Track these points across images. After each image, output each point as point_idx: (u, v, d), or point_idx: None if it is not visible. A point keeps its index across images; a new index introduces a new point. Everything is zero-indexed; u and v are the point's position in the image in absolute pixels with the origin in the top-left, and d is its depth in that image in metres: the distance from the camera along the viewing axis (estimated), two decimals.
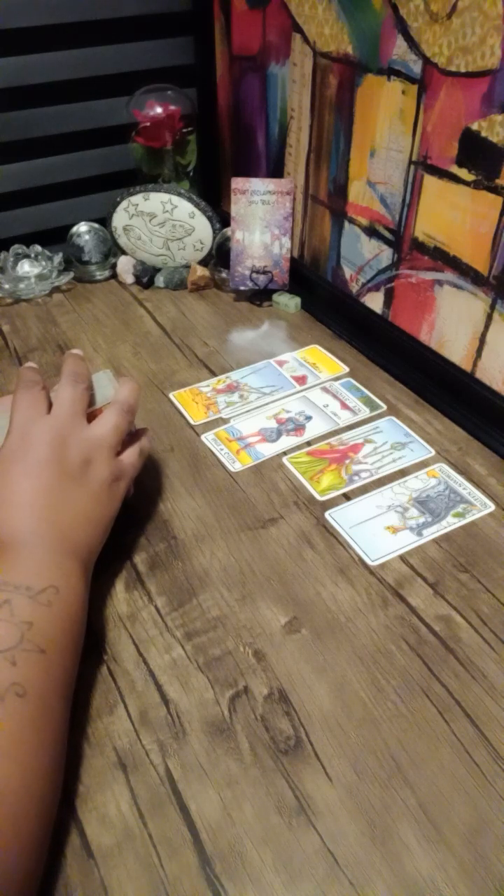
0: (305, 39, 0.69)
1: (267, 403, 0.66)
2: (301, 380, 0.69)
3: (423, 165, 0.60)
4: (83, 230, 0.85)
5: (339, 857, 0.35)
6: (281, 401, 0.67)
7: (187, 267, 0.86)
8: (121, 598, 0.48)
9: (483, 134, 0.53)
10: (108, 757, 0.39)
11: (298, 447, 0.61)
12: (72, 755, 0.38)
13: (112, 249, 0.87)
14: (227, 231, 0.82)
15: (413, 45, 0.57)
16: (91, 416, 0.49)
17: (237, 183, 0.78)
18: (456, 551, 0.51)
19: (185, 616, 0.47)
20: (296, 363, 0.72)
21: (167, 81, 0.82)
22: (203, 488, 0.57)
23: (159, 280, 0.86)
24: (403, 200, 0.64)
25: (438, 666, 0.43)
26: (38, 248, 0.83)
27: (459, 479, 0.57)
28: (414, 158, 0.61)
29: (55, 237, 0.86)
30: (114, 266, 0.87)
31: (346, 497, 0.56)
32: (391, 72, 0.60)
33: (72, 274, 0.85)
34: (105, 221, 0.86)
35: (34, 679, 0.35)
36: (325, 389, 0.68)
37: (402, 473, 0.58)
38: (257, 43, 0.76)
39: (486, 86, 0.52)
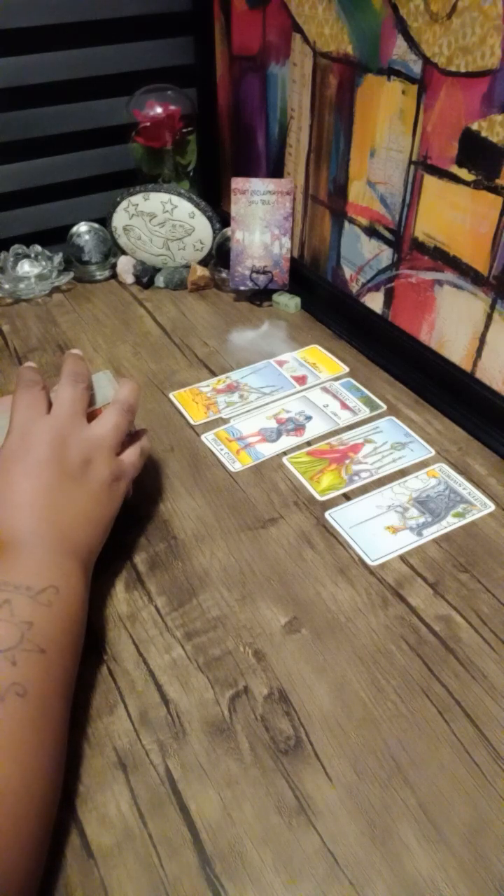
0: (305, 39, 0.69)
1: (267, 403, 0.66)
2: (301, 380, 0.69)
3: (423, 165, 0.60)
4: (83, 230, 0.85)
5: (339, 857, 0.35)
6: (281, 401, 0.67)
7: (187, 267, 0.86)
8: (121, 598, 0.48)
9: (483, 134, 0.53)
10: (108, 757, 0.39)
11: (298, 447, 0.61)
12: (72, 755, 0.38)
13: (112, 249, 0.87)
14: (227, 231, 0.82)
15: (413, 45, 0.57)
16: (91, 417, 0.49)
17: (237, 183, 0.78)
18: (456, 551, 0.51)
19: (185, 616, 0.47)
20: (296, 363, 0.72)
21: (167, 81, 0.82)
22: (203, 488, 0.57)
23: (159, 280, 0.86)
24: (403, 200, 0.64)
25: (438, 666, 0.43)
26: (38, 248, 0.83)
27: (459, 479, 0.57)
28: (414, 158, 0.61)
29: (55, 237, 0.86)
30: (114, 266, 0.87)
31: (346, 497, 0.56)
32: (391, 72, 0.60)
33: (72, 274, 0.85)
34: (105, 221, 0.86)
35: (34, 679, 0.35)
36: (325, 389, 0.68)
37: (402, 473, 0.58)
38: (257, 43, 0.76)
39: (486, 86, 0.52)
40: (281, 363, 0.72)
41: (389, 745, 0.39)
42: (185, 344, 0.75)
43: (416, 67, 0.57)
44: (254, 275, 0.81)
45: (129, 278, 0.86)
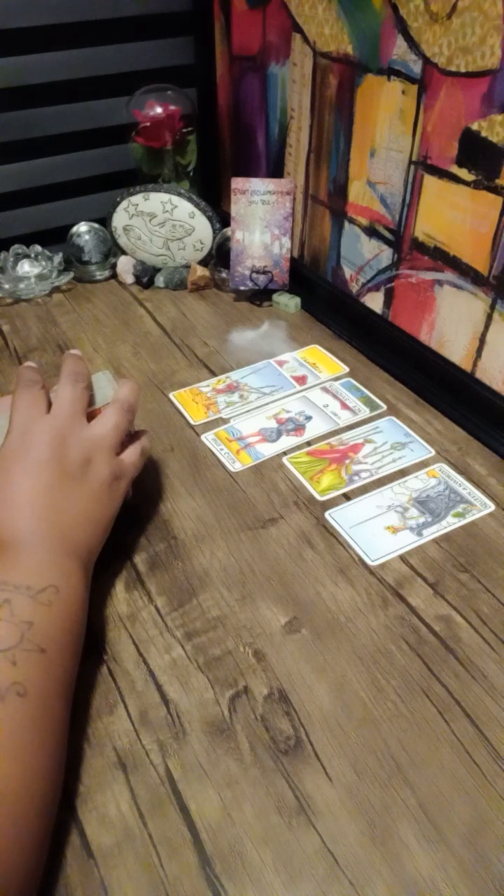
0: (305, 39, 0.69)
1: (267, 403, 0.66)
2: (301, 380, 0.69)
3: (423, 165, 0.60)
4: (83, 230, 0.85)
5: (339, 857, 0.35)
6: (281, 401, 0.67)
7: (187, 267, 0.86)
8: (121, 598, 0.48)
9: (483, 134, 0.53)
10: (108, 757, 0.39)
11: (298, 447, 0.61)
12: (72, 755, 0.38)
13: (112, 249, 0.87)
14: (227, 231, 0.82)
15: (413, 45, 0.57)
16: (90, 417, 0.49)
17: (237, 183, 0.78)
18: (456, 551, 0.51)
19: (185, 616, 0.47)
20: (296, 363, 0.72)
21: (167, 81, 0.82)
22: (203, 488, 0.57)
23: (159, 280, 0.86)
24: (403, 200, 0.64)
25: (438, 666, 0.43)
26: (38, 248, 0.83)
27: (459, 479, 0.57)
28: (414, 158, 0.61)
29: (55, 237, 0.86)
30: (114, 266, 0.87)
31: (346, 497, 0.56)
32: (391, 72, 0.60)
33: (72, 274, 0.85)
34: (105, 221, 0.86)
35: (35, 679, 0.35)
36: (325, 389, 0.68)
37: (402, 473, 0.58)
38: (257, 43, 0.76)
39: (486, 86, 0.52)
40: (281, 363, 0.72)
41: (389, 745, 0.39)
42: (185, 344, 0.75)
43: (416, 67, 0.57)
44: (254, 275, 0.81)
45: (129, 278, 0.86)
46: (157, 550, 0.51)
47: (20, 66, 0.78)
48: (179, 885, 0.34)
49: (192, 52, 0.86)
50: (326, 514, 0.54)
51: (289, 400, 0.67)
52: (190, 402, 0.67)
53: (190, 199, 0.82)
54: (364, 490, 0.56)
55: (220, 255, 0.84)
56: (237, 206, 0.79)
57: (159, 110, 0.81)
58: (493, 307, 0.58)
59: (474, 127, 0.54)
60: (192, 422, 0.64)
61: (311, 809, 0.37)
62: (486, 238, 0.56)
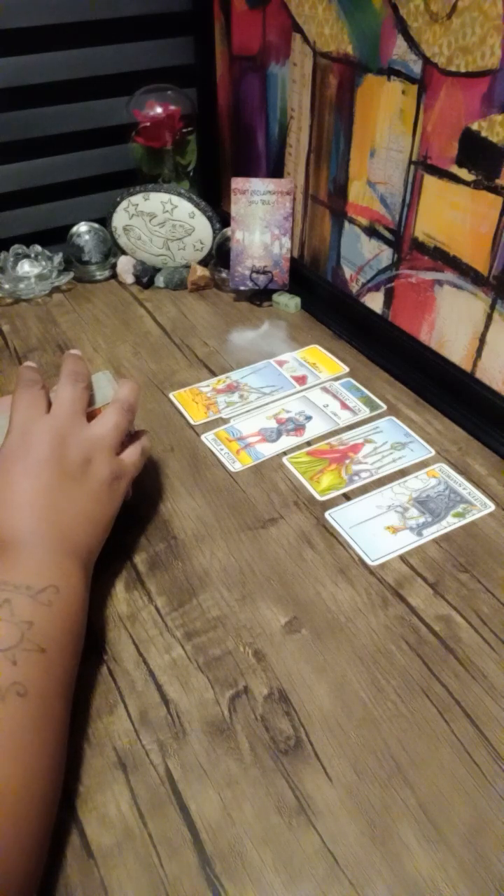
0: (305, 39, 0.69)
1: (267, 403, 0.66)
2: (301, 380, 0.69)
3: (423, 165, 0.60)
4: (83, 230, 0.85)
5: (339, 857, 0.35)
6: (281, 401, 0.67)
7: (187, 267, 0.86)
8: (121, 598, 0.48)
9: (483, 134, 0.53)
10: (108, 757, 0.39)
11: (298, 447, 0.61)
12: (72, 755, 0.38)
13: (112, 249, 0.87)
14: (227, 231, 0.82)
15: (413, 45, 0.57)
16: (90, 416, 0.49)
17: (237, 183, 0.78)
18: (456, 551, 0.51)
19: (185, 616, 0.47)
20: (296, 363, 0.72)
21: (167, 81, 0.82)
22: (203, 488, 0.57)
23: (159, 280, 0.86)
24: (403, 200, 0.64)
25: (438, 666, 0.43)
26: (38, 248, 0.83)
27: (459, 479, 0.57)
28: (414, 158, 0.61)
29: (55, 237, 0.86)
30: (114, 266, 0.87)
31: (346, 497, 0.56)
32: (391, 72, 0.60)
33: (72, 274, 0.85)
34: (105, 221, 0.86)
35: (35, 678, 0.35)
36: (325, 389, 0.68)
37: (402, 473, 0.58)
38: (257, 43, 0.76)
39: (486, 86, 0.52)
40: (281, 363, 0.72)
41: (389, 745, 0.39)
42: (185, 344, 0.75)
43: (416, 67, 0.57)
44: (254, 275, 0.81)
45: (129, 278, 0.86)
46: (157, 550, 0.51)
47: (20, 66, 0.78)
48: (179, 885, 0.34)
49: (192, 52, 0.86)
50: (326, 514, 0.54)
51: (289, 400, 0.67)
52: (190, 402, 0.67)
53: (190, 199, 0.82)
54: (364, 490, 0.56)
55: (220, 255, 0.84)
56: (237, 206, 0.79)
57: (159, 110, 0.81)
58: (493, 307, 0.58)
59: (474, 127, 0.54)
60: (192, 422, 0.64)
61: (311, 809, 0.37)
62: (486, 238, 0.56)
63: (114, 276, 0.87)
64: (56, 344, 0.76)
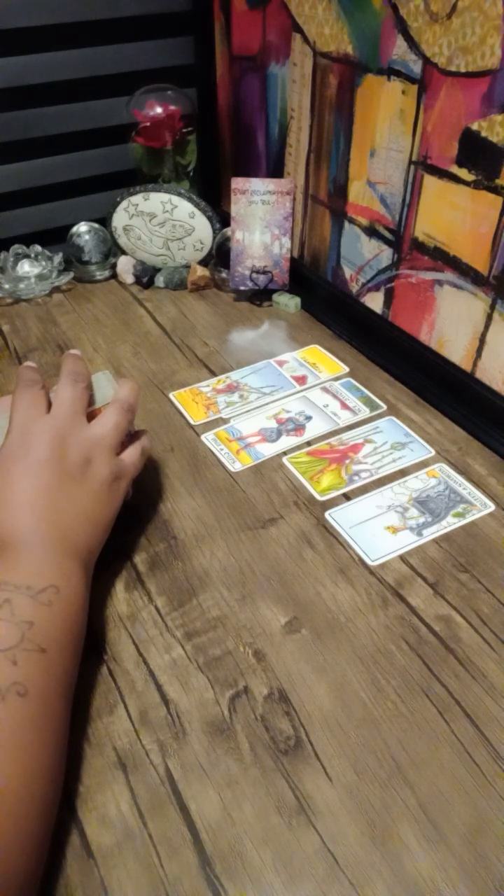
0: (305, 39, 0.69)
1: (267, 403, 0.66)
2: (301, 380, 0.70)
3: (423, 165, 0.60)
4: (83, 230, 0.85)
5: (339, 857, 0.35)
6: (281, 401, 0.67)
7: (187, 267, 0.86)
8: (121, 598, 0.48)
9: (483, 134, 0.53)
10: (108, 757, 0.39)
11: (298, 447, 0.61)
12: (72, 755, 0.38)
13: (112, 249, 0.87)
14: (227, 231, 0.82)
15: (413, 45, 0.57)
16: (90, 416, 0.49)
17: (237, 183, 0.78)
18: (456, 551, 0.51)
19: (185, 616, 0.47)
20: (296, 363, 0.72)
21: (167, 81, 0.82)
22: (203, 488, 0.57)
23: (159, 280, 0.86)
24: (403, 200, 0.64)
25: (438, 666, 0.43)
26: (38, 248, 0.83)
27: (459, 479, 0.57)
28: (414, 158, 0.61)
29: (55, 237, 0.86)
30: (114, 266, 0.87)
31: (346, 497, 0.56)
32: (391, 72, 0.60)
33: (72, 274, 0.85)
34: (105, 221, 0.86)
35: (35, 678, 0.35)
36: (325, 389, 0.68)
37: (402, 473, 0.58)
38: (257, 43, 0.76)
39: (486, 86, 0.52)
40: (281, 363, 0.72)
41: (389, 745, 0.39)
42: (185, 344, 0.75)
43: (416, 67, 0.57)
44: (254, 275, 0.81)
45: (129, 278, 0.86)
46: (157, 550, 0.51)
47: (20, 66, 0.78)
48: (179, 885, 0.34)
49: (192, 52, 0.86)
50: (326, 514, 0.54)
51: (289, 400, 0.67)
52: (190, 402, 0.67)
53: (190, 199, 0.82)
54: (364, 490, 0.56)
55: (220, 255, 0.84)
56: (237, 206, 0.79)
57: (159, 110, 0.81)
58: (493, 307, 0.58)
59: (474, 127, 0.54)
60: (192, 422, 0.64)
61: (311, 809, 0.37)
62: (486, 238, 0.56)
63: (114, 276, 0.87)
64: (56, 344, 0.76)
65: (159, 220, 0.83)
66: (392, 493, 0.56)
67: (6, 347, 0.75)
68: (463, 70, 0.53)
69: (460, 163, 0.56)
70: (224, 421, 0.64)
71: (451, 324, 0.63)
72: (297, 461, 0.59)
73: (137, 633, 0.45)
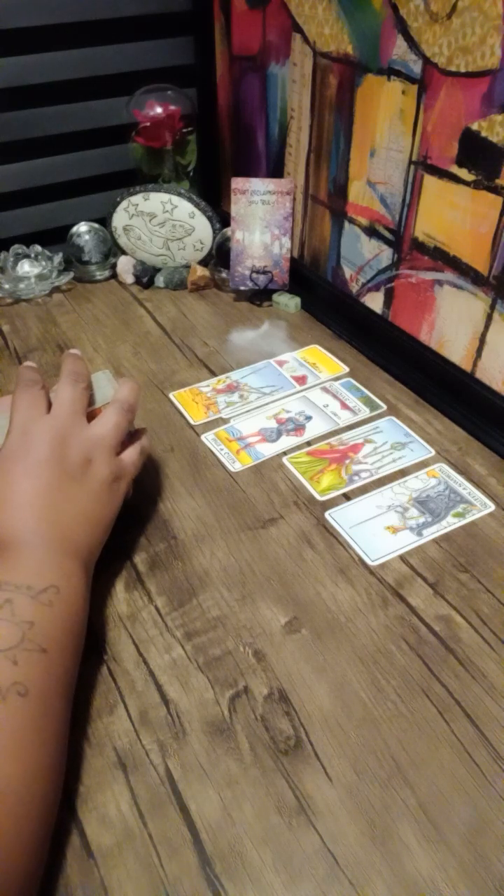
0: (305, 39, 0.69)
1: (267, 403, 0.66)
2: (301, 380, 0.70)
3: (423, 165, 0.60)
4: (83, 230, 0.85)
5: (339, 857, 0.35)
6: (281, 401, 0.67)
7: (187, 267, 0.86)
8: (121, 598, 0.48)
9: (483, 134, 0.53)
10: (108, 757, 0.39)
11: (298, 447, 0.61)
12: (72, 755, 0.38)
13: (112, 249, 0.87)
14: (227, 231, 0.82)
15: (413, 45, 0.57)
16: (90, 416, 0.49)
17: (237, 183, 0.78)
18: (456, 551, 0.51)
19: (185, 616, 0.47)
20: (296, 363, 0.72)
21: (167, 81, 0.82)
22: (203, 488, 0.57)
23: (159, 280, 0.86)
24: (403, 200, 0.64)
25: (438, 666, 0.43)
26: (38, 248, 0.83)
27: (459, 479, 0.57)
28: (414, 158, 0.61)
29: (55, 237, 0.86)
30: (114, 266, 0.87)
31: (346, 497, 0.56)
32: (391, 72, 0.60)
33: (72, 274, 0.85)
34: (105, 221, 0.86)
35: (35, 678, 0.35)
36: (325, 389, 0.68)
37: (402, 473, 0.58)
38: (257, 43, 0.76)
39: (486, 86, 0.52)
40: (281, 363, 0.72)
41: (389, 745, 0.39)
42: (185, 344, 0.75)
43: (416, 67, 0.57)
44: (254, 275, 0.81)
45: (129, 278, 0.86)
46: (157, 550, 0.51)
47: (20, 66, 0.78)
48: (179, 885, 0.34)
49: (192, 52, 0.86)
50: (326, 514, 0.54)
51: (289, 400, 0.67)
52: (190, 402, 0.67)
53: (190, 199, 0.82)
54: (364, 490, 0.56)
55: (220, 255, 0.84)
56: (237, 206, 0.79)
57: (159, 110, 0.81)
58: (493, 307, 0.58)
59: (474, 127, 0.54)
60: (192, 422, 0.64)
61: (311, 809, 0.37)
62: (486, 238, 0.56)
63: (114, 276, 0.87)
64: (56, 344, 0.76)
65: (159, 220, 0.83)
66: (392, 493, 0.56)
67: (6, 347, 0.75)
68: (463, 70, 0.53)
69: (460, 163, 0.56)
70: (224, 421, 0.64)
71: (451, 324, 0.63)
72: (297, 461, 0.59)
73: (137, 633, 0.45)
